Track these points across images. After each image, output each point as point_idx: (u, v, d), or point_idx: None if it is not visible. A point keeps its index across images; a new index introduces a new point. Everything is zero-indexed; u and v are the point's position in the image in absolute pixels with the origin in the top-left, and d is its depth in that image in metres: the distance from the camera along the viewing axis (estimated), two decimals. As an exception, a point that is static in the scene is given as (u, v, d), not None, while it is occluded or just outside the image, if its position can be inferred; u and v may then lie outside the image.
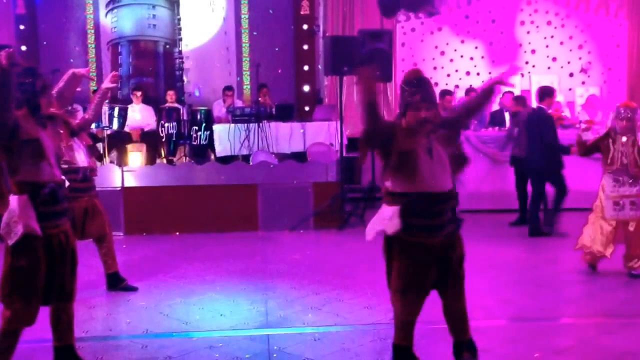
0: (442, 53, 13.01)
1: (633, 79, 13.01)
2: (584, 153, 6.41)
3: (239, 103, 11.24)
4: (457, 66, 12.89)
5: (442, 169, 3.67)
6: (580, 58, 13.20)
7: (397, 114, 3.86)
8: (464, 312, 3.86)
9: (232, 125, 10.09)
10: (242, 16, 12.48)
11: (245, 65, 12.47)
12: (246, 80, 12.48)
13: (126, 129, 10.23)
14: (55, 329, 3.94)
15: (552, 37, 13.17)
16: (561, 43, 13.19)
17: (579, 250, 6.35)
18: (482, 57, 13.02)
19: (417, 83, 3.70)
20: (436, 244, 3.68)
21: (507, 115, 10.55)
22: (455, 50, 13.03)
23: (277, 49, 12.46)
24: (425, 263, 3.68)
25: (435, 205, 3.65)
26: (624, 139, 6.00)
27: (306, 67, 12.52)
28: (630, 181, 6.02)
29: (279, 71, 12.26)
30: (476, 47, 13.03)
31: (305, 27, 12.52)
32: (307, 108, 12.20)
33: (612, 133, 6.10)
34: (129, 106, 10.54)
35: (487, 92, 3.91)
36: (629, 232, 6.03)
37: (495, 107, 11.43)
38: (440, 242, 3.69)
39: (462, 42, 13.02)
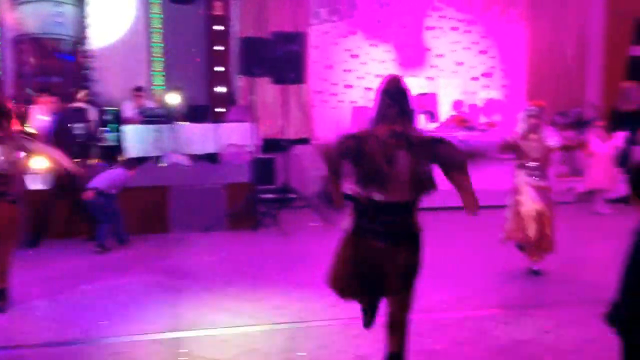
0: (354, 56, 13.23)
1: (533, 83, 13.63)
2: (504, 151, 6.45)
3: (149, 104, 11.06)
4: (368, 69, 13.13)
5: (399, 182, 3.66)
6: (483, 63, 13.71)
7: (372, 119, 3.82)
8: (400, 323, 3.86)
9: (143, 126, 9.92)
10: (153, 16, 12.26)
11: (157, 66, 12.27)
12: (157, 81, 12.28)
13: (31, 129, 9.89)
14: None
15: (457, 42, 13.62)
16: (466, 48, 13.65)
17: (508, 241, 6.62)
18: (393, 60, 13.32)
19: (397, 95, 3.73)
20: (380, 248, 3.75)
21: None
22: (367, 53, 13.26)
23: (189, 50, 12.32)
24: (361, 262, 3.81)
25: (380, 213, 3.73)
26: (534, 136, 6.36)
27: (220, 68, 12.44)
28: (541, 174, 6.38)
29: (192, 72, 12.13)
30: (387, 51, 13.32)
31: (218, 27, 12.44)
32: (221, 109, 12.12)
33: (524, 131, 6.41)
34: (33, 106, 10.19)
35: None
36: (537, 225, 6.36)
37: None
38: (385, 248, 3.75)
39: (374, 45, 13.28)
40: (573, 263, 6.83)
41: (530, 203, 6.36)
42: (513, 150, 6.42)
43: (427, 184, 3.70)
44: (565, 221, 9.60)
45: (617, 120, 12.37)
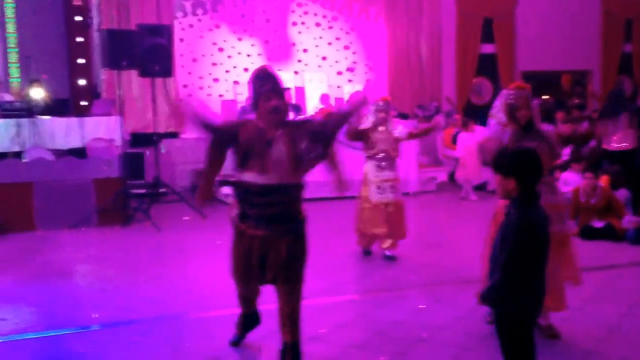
0: (221, 49, 13.21)
1: (393, 77, 14.29)
2: (352, 137, 6.72)
3: (6, 97, 10.47)
4: (235, 63, 13.17)
5: (278, 163, 3.79)
6: (346, 58, 14.18)
7: (246, 107, 4.05)
8: (290, 314, 3.95)
9: (1, 120, 9.38)
10: (7, 5, 11.56)
11: (12, 57, 11.60)
12: (14, 73, 11.61)
13: None
14: None
15: (321, 37, 13.98)
16: (329, 43, 14.05)
17: (358, 234, 6.95)
18: (259, 54, 13.44)
19: (266, 76, 3.91)
20: (260, 235, 3.87)
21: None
22: (233, 47, 13.29)
23: (48, 41, 11.74)
24: (247, 251, 3.91)
25: (260, 197, 3.83)
26: (382, 128, 6.70)
27: (81, 60, 11.94)
28: (388, 165, 6.71)
29: (52, 64, 11.58)
30: (253, 45, 13.42)
31: (78, 18, 11.94)
32: (84, 102, 11.66)
33: (372, 124, 6.73)
34: None
35: (353, 111, 4.11)
36: (389, 214, 6.71)
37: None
38: (266, 235, 3.86)
39: (240, 39, 13.33)
40: (439, 246, 7.28)
41: (375, 198, 6.66)
42: (361, 137, 6.69)
43: (306, 163, 3.89)
44: (429, 209, 10.25)
45: (471, 113, 13.32)
